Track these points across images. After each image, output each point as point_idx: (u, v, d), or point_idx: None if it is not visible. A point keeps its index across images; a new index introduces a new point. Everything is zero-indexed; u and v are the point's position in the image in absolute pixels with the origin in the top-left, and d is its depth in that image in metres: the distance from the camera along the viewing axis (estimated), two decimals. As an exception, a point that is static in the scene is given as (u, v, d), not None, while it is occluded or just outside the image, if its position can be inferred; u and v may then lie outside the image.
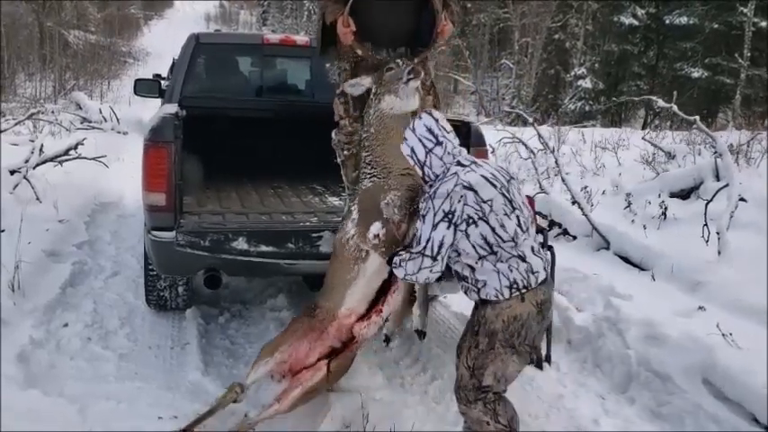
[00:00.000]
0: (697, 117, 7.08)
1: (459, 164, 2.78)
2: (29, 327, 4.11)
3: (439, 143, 2.80)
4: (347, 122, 3.76)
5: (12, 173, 6.58)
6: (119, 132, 13.13)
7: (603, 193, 7.37)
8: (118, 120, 13.64)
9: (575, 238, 6.36)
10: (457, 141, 2.87)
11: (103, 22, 33.55)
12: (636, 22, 25.33)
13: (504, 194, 2.71)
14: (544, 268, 2.78)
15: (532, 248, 2.76)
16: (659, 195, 6.60)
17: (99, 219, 7.18)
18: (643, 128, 20.26)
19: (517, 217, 2.71)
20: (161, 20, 47.25)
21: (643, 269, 5.41)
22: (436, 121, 2.84)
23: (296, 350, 3.30)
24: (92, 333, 4.29)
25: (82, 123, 13.05)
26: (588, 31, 28.12)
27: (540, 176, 7.90)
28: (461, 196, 2.64)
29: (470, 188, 2.65)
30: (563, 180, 6.94)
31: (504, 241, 2.67)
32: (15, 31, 19.12)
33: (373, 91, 3.35)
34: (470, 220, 2.65)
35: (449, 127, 2.88)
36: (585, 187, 7.34)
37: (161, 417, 3.33)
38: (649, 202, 6.51)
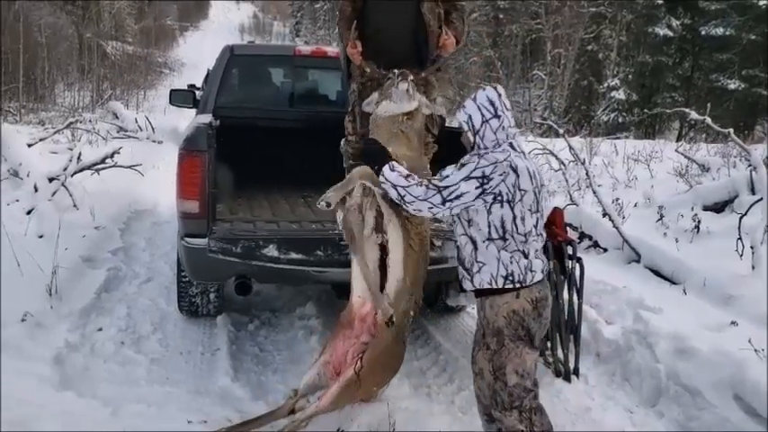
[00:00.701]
0: (731, 129, 6.99)
1: (511, 146, 2.81)
2: (65, 330, 4.23)
3: (497, 116, 2.80)
4: (354, 138, 3.99)
5: (50, 180, 6.75)
6: (154, 141, 13.36)
7: (635, 205, 7.30)
8: (153, 129, 13.88)
9: (605, 250, 6.31)
10: (513, 122, 2.88)
11: (140, 33, 34.25)
12: (671, 33, 25.04)
13: (535, 193, 2.78)
14: (542, 271, 2.82)
15: (537, 251, 2.82)
16: (692, 208, 6.52)
17: (134, 226, 7.32)
18: (677, 140, 20.00)
19: (537, 219, 2.79)
20: (196, 31, 48.00)
21: (674, 283, 5.34)
22: (499, 95, 2.85)
23: (335, 349, 3.36)
24: (125, 337, 4.38)
25: (118, 132, 13.32)
26: (622, 42, 27.85)
27: (571, 188, 7.87)
28: (504, 172, 2.69)
29: (515, 170, 2.71)
30: (594, 192, 6.90)
31: (518, 233, 2.73)
32: (56, 43, 19.58)
33: (375, 101, 3.55)
34: (500, 198, 2.70)
35: (509, 105, 2.90)
36: (617, 199, 7.28)
37: (191, 421, 3.39)
38: (682, 216, 6.44)
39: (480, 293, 2.84)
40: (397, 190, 2.85)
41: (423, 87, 3.73)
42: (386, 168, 2.89)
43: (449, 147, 4.63)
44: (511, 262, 2.74)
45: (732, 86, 23.49)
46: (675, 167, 9.05)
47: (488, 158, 2.72)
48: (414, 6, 3.81)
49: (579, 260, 3.99)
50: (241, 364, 4.16)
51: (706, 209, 6.59)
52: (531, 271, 2.77)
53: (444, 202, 2.73)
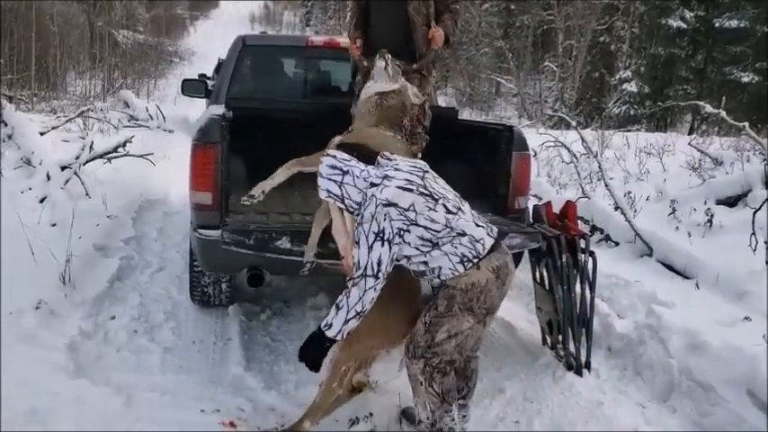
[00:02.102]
0: (746, 123, 6.94)
1: (371, 185, 2.83)
2: (78, 318, 4.26)
3: (345, 173, 2.88)
4: None
5: (63, 169, 6.78)
6: (165, 131, 13.39)
7: (647, 199, 7.26)
8: (164, 118, 13.91)
9: (617, 244, 6.28)
10: (362, 165, 2.92)
11: (151, 22, 34.27)
12: (684, 25, 24.81)
13: (422, 194, 2.80)
14: (488, 234, 2.87)
15: (469, 223, 2.85)
16: (705, 202, 6.48)
17: (145, 215, 7.35)
18: (690, 133, 19.85)
19: (443, 206, 2.82)
20: (206, 20, 48.00)
21: (687, 277, 5.32)
22: (334, 156, 2.93)
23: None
24: (138, 326, 4.41)
25: (129, 121, 13.35)
26: (634, 34, 27.65)
27: (583, 181, 7.83)
28: (385, 214, 2.74)
29: (389, 204, 2.74)
30: (606, 185, 6.86)
31: (440, 231, 2.79)
32: (67, 31, 19.63)
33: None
34: (402, 231, 2.77)
35: (348, 157, 2.95)
36: (629, 193, 7.25)
37: (203, 410, 3.42)
38: (695, 209, 6.40)
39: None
40: (354, 314, 2.79)
41: (417, 80, 4.09)
42: (333, 319, 2.81)
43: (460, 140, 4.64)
44: (455, 248, 2.80)
45: (746, 79, 23.27)
46: (688, 161, 8.99)
47: (366, 220, 2.76)
48: (402, 6, 4.13)
49: (592, 254, 3.98)
50: (253, 354, 4.18)
51: (719, 203, 6.54)
52: (478, 241, 2.83)
53: (376, 276, 2.75)
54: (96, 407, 3.25)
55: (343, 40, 5.69)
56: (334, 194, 2.90)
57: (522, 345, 4.46)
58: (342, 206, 2.92)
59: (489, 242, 2.85)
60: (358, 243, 2.78)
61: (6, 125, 8.72)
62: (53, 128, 9.62)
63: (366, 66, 4.13)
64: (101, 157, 7.62)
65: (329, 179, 2.90)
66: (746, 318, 4.24)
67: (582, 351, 3.96)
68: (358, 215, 2.85)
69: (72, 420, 3.06)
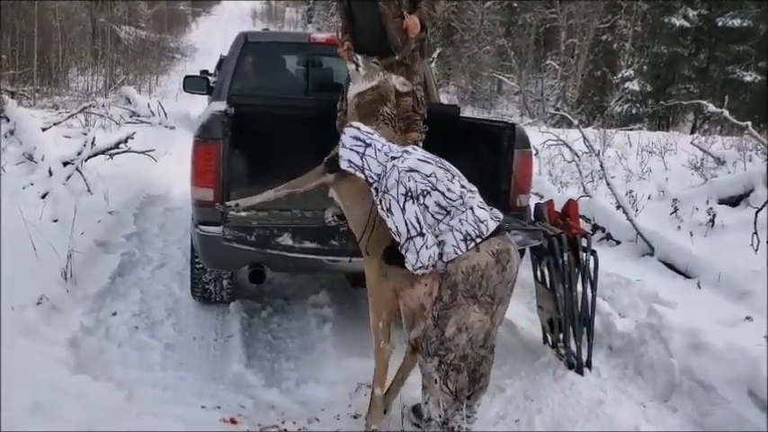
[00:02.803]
0: (749, 123, 6.93)
1: (392, 158, 2.99)
2: (80, 314, 4.27)
3: (368, 145, 3.02)
4: (340, 114, 4.44)
5: (65, 164, 6.78)
6: (166, 127, 13.36)
7: (649, 198, 7.25)
8: (165, 114, 13.88)
9: (618, 243, 6.28)
10: (384, 140, 3.09)
11: (153, 18, 34.19)
12: (687, 24, 24.73)
13: (440, 167, 2.96)
14: (491, 218, 2.94)
15: (479, 204, 2.96)
16: (707, 202, 6.47)
17: (147, 211, 7.35)
18: (692, 132, 19.81)
19: (458, 180, 2.97)
20: (209, 16, 47.90)
21: (688, 277, 5.31)
22: (358, 128, 3.09)
23: None
24: (139, 322, 4.42)
25: (131, 117, 13.32)
26: (637, 33, 27.56)
27: (585, 180, 7.81)
28: (409, 177, 2.88)
29: (412, 170, 2.90)
30: (608, 184, 6.85)
31: (454, 201, 2.89)
32: (70, 27, 19.59)
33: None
34: (425, 192, 2.87)
35: (371, 130, 3.14)
36: (631, 192, 7.24)
37: (204, 406, 3.43)
38: (697, 209, 6.40)
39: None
40: (417, 269, 2.91)
41: (402, 70, 4.15)
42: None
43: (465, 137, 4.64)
44: (461, 224, 2.87)
45: (748, 78, 23.22)
46: (690, 160, 8.98)
47: (390, 186, 2.89)
48: (374, 2, 4.17)
49: (593, 253, 3.98)
50: (254, 351, 4.19)
51: (721, 202, 6.53)
52: (482, 222, 2.89)
53: (421, 234, 2.84)
54: (98, 402, 3.27)
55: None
56: (355, 164, 3.02)
57: (523, 343, 4.46)
58: (361, 176, 3.04)
59: (492, 225, 2.91)
60: (390, 210, 2.88)
61: (8, 121, 8.74)
62: (55, 123, 9.62)
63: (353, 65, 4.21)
64: (102, 153, 7.62)
65: (351, 149, 3.02)
66: (748, 318, 4.24)
67: (583, 350, 3.96)
68: (376, 187, 2.99)
69: (74, 415, 3.07)
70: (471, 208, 2.91)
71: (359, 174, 3.04)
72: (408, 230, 2.84)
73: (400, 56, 4.18)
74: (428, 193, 2.87)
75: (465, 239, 2.85)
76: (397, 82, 3.97)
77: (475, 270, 2.83)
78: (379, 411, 3.23)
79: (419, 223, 2.84)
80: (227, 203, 3.83)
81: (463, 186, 2.96)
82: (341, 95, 4.45)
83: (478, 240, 2.85)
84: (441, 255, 2.89)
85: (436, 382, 2.92)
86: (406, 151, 3.02)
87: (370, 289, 3.23)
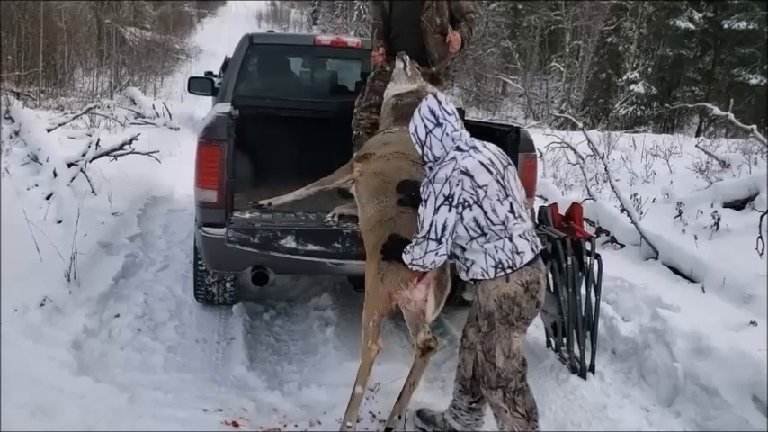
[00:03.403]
0: (754, 126, 6.90)
1: (458, 149, 2.87)
2: (83, 316, 4.26)
3: (439, 124, 2.89)
4: (357, 111, 4.65)
5: (69, 166, 6.78)
6: (171, 128, 13.39)
7: (654, 201, 7.24)
8: (170, 115, 13.91)
9: (622, 246, 6.26)
10: (459, 124, 2.96)
11: (159, 19, 34.25)
12: (692, 27, 24.68)
13: (498, 181, 2.83)
14: (531, 249, 2.88)
15: (523, 233, 2.87)
16: (712, 205, 6.45)
17: (151, 212, 7.36)
18: (697, 135, 19.77)
19: (510, 203, 2.85)
20: (214, 18, 48.00)
21: (693, 281, 5.30)
22: (439, 103, 2.94)
23: None
24: (142, 324, 4.42)
25: (136, 118, 13.35)
26: (642, 35, 27.52)
27: (589, 182, 7.82)
28: (459, 181, 2.77)
29: (467, 173, 2.78)
30: (612, 187, 6.84)
31: (494, 224, 2.82)
32: (75, 28, 19.61)
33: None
34: (466, 204, 2.78)
35: (452, 109, 2.96)
36: (635, 195, 7.22)
37: (206, 409, 3.42)
38: (701, 212, 6.37)
39: (474, 280, 2.95)
40: (414, 265, 2.92)
41: (431, 81, 4.29)
42: (404, 256, 2.94)
43: None
44: (496, 251, 2.82)
45: (754, 81, 23.14)
46: (695, 163, 8.96)
47: (438, 180, 2.80)
48: (417, 17, 4.39)
49: (597, 257, 3.96)
50: (257, 354, 4.18)
51: (726, 206, 6.51)
52: (518, 253, 2.84)
53: (438, 241, 2.81)
54: (99, 404, 3.26)
55: (351, 39, 5.69)
56: (419, 137, 2.94)
57: (526, 347, 4.37)
58: (419, 150, 2.96)
59: (529, 257, 2.86)
60: (426, 202, 2.82)
61: (13, 122, 8.76)
62: (60, 125, 9.65)
63: (388, 71, 4.35)
64: (107, 154, 7.61)
65: (422, 120, 2.92)
66: (752, 322, 4.22)
67: (586, 354, 3.94)
68: (429, 168, 2.91)
69: (75, 417, 3.07)
70: (510, 237, 2.83)
71: (417, 147, 2.95)
72: (429, 230, 2.80)
73: (436, 69, 4.43)
74: (470, 206, 2.78)
75: (496, 267, 2.83)
76: (431, 90, 3.93)
77: (506, 298, 2.85)
78: (356, 410, 3.16)
79: (443, 231, 2.79)
80: (260, 202, 3.94)
81: (512, 211, 2.84)
82: (362, 93, 4.63)
83: (508, 272, 2.83)
84: (467, 271, 2.91)
85: (506, 411, 2.97)
86: (474, 147, 2.88)
87: (368, 288, 3.22)
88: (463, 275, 2.99)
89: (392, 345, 4.26)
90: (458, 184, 2.76)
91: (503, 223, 2.82)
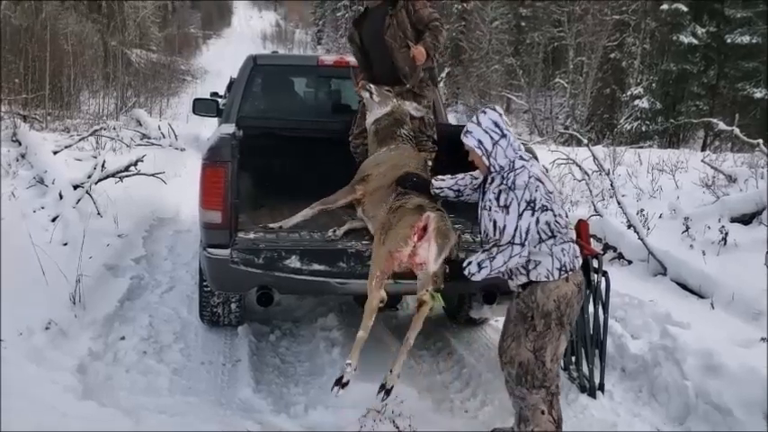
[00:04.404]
0: (760, 140, 6.87)
1: (521, 158, 3.06)
2: (88, 339, 4.25)
3: (504, 135, 3.07)
4: (351, 137, 4.75)
5: (75, 188, 6.79)
6: (176, 149, 13.43)
7: (660, 216, 7.19)
8: (176, 136, 13.95)
9: (630, 262, 6.22)
10: (514, 136, 3.14)
11: (164, 41, 34.56)
12: (695, 41, 24.73)
13: (555, 188, 3.11)
14: (580, 254, 3.12)
15: (572, 238, 3.10)
16: (719, 220, 6.41)
17: (156, 233, 7.36)
18: (702, 149, 19.73)
19: (564, 209, 3.10)
20: (219, 39, 48.40)
21: (702, 297, 5.25)
22: (500, 115, 3.13)
23: None
24: (147, 347, 4.39)
25: (142, 140, 13.39)
26: (645, 51, 27.57)
27: (595, 199, 7.78)
28: (537, 187, 2.97)
29: (540, 180, 2.99)
30: (618, 203, 6.81)
31: (562, 227, 3.02)
32: (81, 51, 19.76)
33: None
34: (544, 208, 2.97)
35: (509, 122, 3.17)
36: (642, 210, 7.18)
37: (212, 432, 3.38)
38: (709, 227, 6.33)
39: (524, 285, 3.07)
40: (496, 272, 3.04)
41: (411, 97, 4.47)
42: (476, 273, 3.04)
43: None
44: (563, 253, 3.00)
45: (758, 95, 23.12)
46: (701, 178, 8.91)
47: (518, 185, 2.96)
48: (382, 37, 4.47)
49: (605, 274, 3.93)
50: (262, 375, 4.15)
51: (733, 221, 6.46)
52: (576, 257, 3.06)
53: (522, 245, 2.95)
54: (104, 429, 3.22)
55: (353, 59, 5.69)
56: (485, 148, 3.06)
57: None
58: (484, 161, 3.08)
59: (581, 261, 3.11)
60: (507, 209, 2.95)
61: (20, 144, 8.80)
62: (66, 147, 9.67)
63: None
64: (113, 175, 7.62)
65: (486, 132, 3.07)
66: (763, 339, 4.17)
67: (595, 373, 3.90)
68: (502, 179, 3.01)
69: (79, 443, 3.03)
70: (572, 240, 3.06)
71: (483, 158, 3.07)
72: (514, 236, 2.93)
73: (411, 84, 4.47)
74: (545, 209, 2.96)
75: (560, 269, 2.99)
76: (411, 107, 4.36)
77: (565, 299, 3.01)
78: (358, 351, 3.23)
79: (527, 234, 2.94)
80: (271, 225, 4.03)
81: (566, 216, 3.07)
82: (354, 121, 4.70)
83: (570, 272, 3.01)
84: (528, 273, 3.02)
85: (543, 413, 3.05)
86: (533, 158, 3.13)
87: (373, 254, 3.49)
88: (521, 279, 3.07)
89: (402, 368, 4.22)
90: (536, 190, 2.95)
91: (566, 226, 3.05)
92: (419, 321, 3.29)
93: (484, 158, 3.07)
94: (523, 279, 3.06)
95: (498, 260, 2.96)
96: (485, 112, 3.13)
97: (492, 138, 3.04)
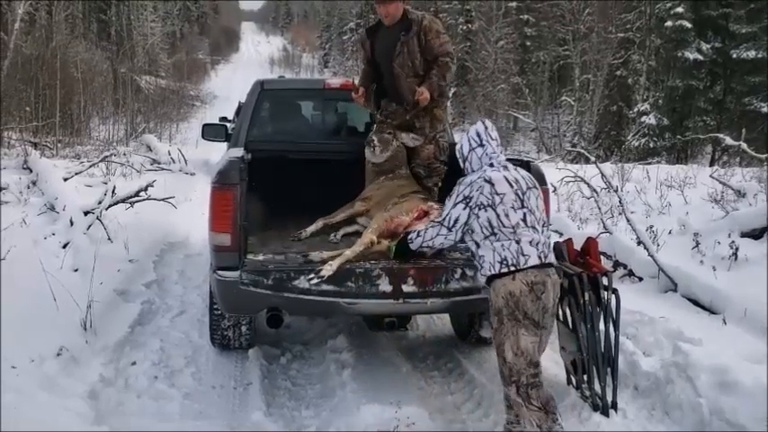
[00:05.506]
0: (768, 154, 6.85)
1: (490, 165, 3.45)
2: (99, 365, 4.25)
3: (481, 145, 3.51)
4: None
5: (86, 214, 6.84)
6: (186, 173, 13.53)
7: (670, 232, 7.16)
8: (186, 161, 14.06)
9: (640, 279, 6.19)
10: (500, 149, 3.57)
11: (173, 67, 34.96)
12: (701, 57, 24.76)
13: (517, 193, 3.35)
14: (538, 257, 3.29)
15: (532, 240, 3.30)
16: (729, 235, 6.37)
17: (167, 258, 7.38)
18: (710, 165, 19.67)
19: (524, 214, 3.33)
20: (227, 64, 48.93)
21: (713, 312, 5.21)
22: (485, 128, 3.57)
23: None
24: (158, 372, 4.40)
25: (152, 165, 13.50)
26: (651, 67, 27.66)
27: (604, 216, 7.76)
28: (480, 186, 3.35)
29: (489, 181, 3.34)
30: (627, 219, 6.79)
31: (505, 227, 3.29)
32: (91, 78, 20.02)
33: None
34: (482, 206, 3.33)
35: (495, 135, 3.59)
36: (651, 227, 7.15)
37: (224, 457, 3.37)
38: (719, 242, 6.29)
39: (487, 281, 3.36)
40: (424, 246, 3.70)
41: (429, 118, 4.68)
42: (410, 243, 3.73)
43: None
44: (503, 249, 3.27)
45: (765, 110, 23.08)
46: (710, 193, 8.87)
47: (465, 183, 3.43)
48: (391, 61, 4.63)
49: (615, 291, 3.91)
50: (273, 399, 4.15)
51: (743, 235, 6.42)
52: (524, 255, 3.25)
53: (449, 229, 3.45)
54: (116, 455, 3.23)
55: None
56: (462, 153, 3.57)
57: (547, 385, 4.32)
58: (461, 163, 3.59)
59: (533, 261, 3.26)
60: (450, 197, 3.46)
61: (31, 172, 8.89)
62: (76, 173, 9.76)
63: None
64: (123, 201, 7.67)
65: (468, 141, 3.54)
66: (777, 354, 4.13)
67: (608, 391, 3.86)
68: (459, 183, 3.47)
69: (91, 469, 3.04)
70: (519, 240, 3.27)
71: (460, 161, 3.57)
72: (444, 219, 3.46)
73: (410, 115, 4.61)
74: (485, 207, 3.31)
75: (501, 263, 3.25)
76: (407, 139, 4.62)
77: (513, 296, 3.21)
78: (339, 263, 3.75)
79: (455, 223, 3.40)
80: (293, 235, 4.50)
81: (524, 220, 3.31)
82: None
83: (513, 269, 3.22)
84: (481, 269, 3.35)
85: (523, 405, 3.21)
86: (505, 167, 3.46)
87: (376, 216, 4.17)
88: (479, 278, 3.44)
89: (410, 388, 4.22)
90: (477, 189, 3.33)
91: (513, 228, 3.29)
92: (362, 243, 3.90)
93: (461, 161, 3.58)
94: (480, 276, 3.40)
95: (428, 234, 3.55)
96: (475, 124, 3.61)
97: (470, 145, 3.52)
